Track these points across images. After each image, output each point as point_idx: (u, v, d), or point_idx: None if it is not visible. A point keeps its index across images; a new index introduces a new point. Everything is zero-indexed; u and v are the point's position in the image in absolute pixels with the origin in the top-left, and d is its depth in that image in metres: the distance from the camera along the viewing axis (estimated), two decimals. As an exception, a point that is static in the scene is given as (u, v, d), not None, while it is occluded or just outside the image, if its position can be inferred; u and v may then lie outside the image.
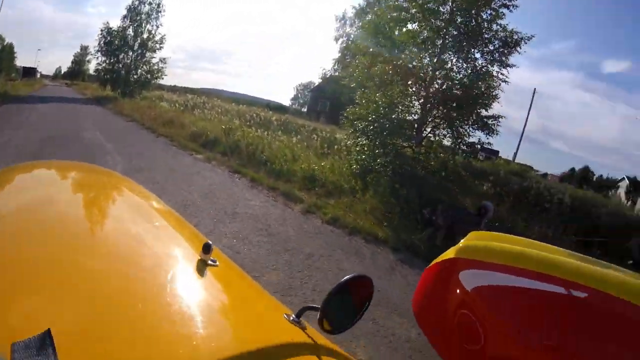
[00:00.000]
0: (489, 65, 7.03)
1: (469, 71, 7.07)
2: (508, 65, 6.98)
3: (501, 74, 7.01)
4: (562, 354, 1.75)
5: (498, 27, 6.93)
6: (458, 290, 1.85)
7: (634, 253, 2.16)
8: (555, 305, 1.80)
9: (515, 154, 17.43)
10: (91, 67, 37.03)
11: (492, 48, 7.00)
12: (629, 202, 22.16)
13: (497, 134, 7.09)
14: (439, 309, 1.93)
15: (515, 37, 6.88)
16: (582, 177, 36.54)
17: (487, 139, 7.12)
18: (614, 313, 1.80)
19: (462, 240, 2.06)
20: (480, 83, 6.83)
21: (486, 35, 6.93)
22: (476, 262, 1.87)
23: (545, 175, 22.00)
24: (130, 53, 22.78)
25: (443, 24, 6.88)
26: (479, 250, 1.95)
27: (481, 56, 7.11)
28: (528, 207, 7.30)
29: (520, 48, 6.94)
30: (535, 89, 19.09)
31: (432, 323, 2.03)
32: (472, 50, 7.03)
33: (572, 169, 39.85)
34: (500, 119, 7.09)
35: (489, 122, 6.98)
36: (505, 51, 6.94)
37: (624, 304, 1.77)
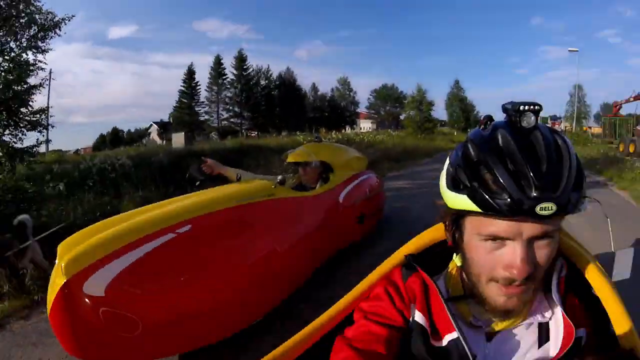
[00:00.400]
0: (25, 54, 5.61)
1: (7, 65, 5.30)
2: (44, 51, 5.85)
3: (39, 60, 5.78)
4: (198, 278, 2.05)
5: (34, 9, 5.64)
6: (89, 301, 1.71)
7: (194, 176, 3.00)
8: (174, 249, 2.02)
9: (47, 142, 15.58)
10: None
11: (31, 34, 5.71)
12: (164, 142, 26.23)
13: (53, 127, 6.30)
14: (83, 330, 1.75)
15: (56, 18, 5.87)
16: (113, 139, 39.14)
17: (43, 135, 6.16)
18: (216, 224, 2.27)
19: (57, 260, 1.84)
20: (21, 76, 5.30)
21: (22, 20, 5.52)
22: (90, 268, 1.76)
23: (77, 151, 22.22)
24: None
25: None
26: (83, 257, 1.80)
27: (17, 45, 5.62)
28: (113, 185, 7.49)
29: (60, 30, 5.98)
30: (51, 69, 16.79)
31: (89, 345, 1.80)
32: (9, 39, 5.46)
33: (102, 135, 42.14)
34: (47, 111, 6.11)
35: (36, 118, 5.73)
36: (43, 35, 5.82)
37: (218, 213, 2.30)
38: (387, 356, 0.61)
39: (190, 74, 39.89)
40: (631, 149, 14.90)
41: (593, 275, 0.70)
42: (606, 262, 0.80)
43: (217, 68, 39.39)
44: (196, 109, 39.87)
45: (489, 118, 0.66)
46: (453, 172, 0.61)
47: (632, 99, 20.95)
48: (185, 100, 39.46)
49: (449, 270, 0.73)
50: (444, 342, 0.63)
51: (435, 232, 0.86)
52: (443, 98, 50.18)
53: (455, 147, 0.66)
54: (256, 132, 35.63)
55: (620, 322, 0.63)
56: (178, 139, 20.41)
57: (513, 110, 0.57)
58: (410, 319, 0.67)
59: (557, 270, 0.65)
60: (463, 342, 0.60)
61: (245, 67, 39.88)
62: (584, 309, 0.67)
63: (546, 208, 0.50)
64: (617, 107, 23.57)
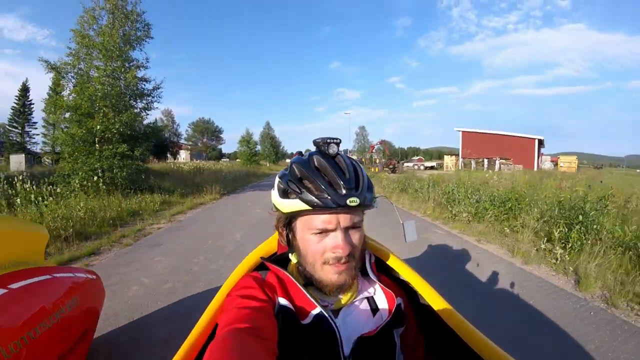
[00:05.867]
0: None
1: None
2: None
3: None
4: None
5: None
6: None
7: None
8: None
9: None
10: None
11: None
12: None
13: None
14: None
15: None
16: None
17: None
18: None
19: None
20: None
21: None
22: None
23: None
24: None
25: None
26: None
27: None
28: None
29: None
30: None
31: None
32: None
33: None
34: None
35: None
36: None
37: None
38: (271, 327, 0.72)
39: (25, 90, 38.14)
40: (376, 170, 30.06)
41: (392, 262, 1.06)
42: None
43: (55, 88, 38.55)
44: (27, 129, 38.60)
45: (300, 153, 0.93)
46: (285, 186, 0.83)
47: (377, 144, 36.80)
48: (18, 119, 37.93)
49: (289, 268, 0.94)
50: (310, 318, 0.80)
51: (271, 244, 1.12)
52: (254, 130, 64.16)
53: (281, 170, 0.90)
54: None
55: (422, 289, 0.95)
56: (17, 161, 19.93)
57: (322, 143, 0.83)
58: (276, 305, 0.81)
59: (368, 258, 0.95)
60: (326, 314, 0.80)
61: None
62: (396, 286, 0.98)
63: (353, 201, 0.77)
64: (372, 147, 39.16)
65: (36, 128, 39.37)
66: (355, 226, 0.81)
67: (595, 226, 5.03)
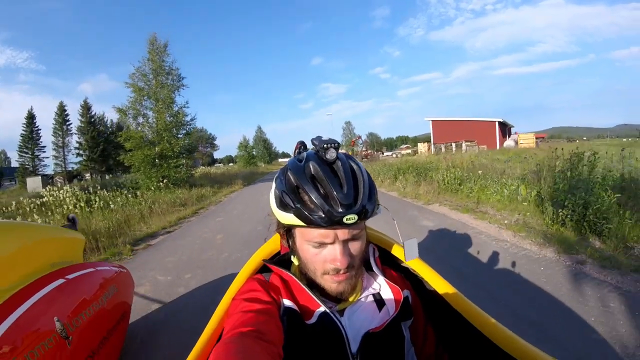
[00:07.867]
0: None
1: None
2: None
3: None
4: None
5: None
6: None
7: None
8: None
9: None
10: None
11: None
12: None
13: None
14: None
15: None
16: None
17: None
18: None
19: None
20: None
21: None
22: None
23: None
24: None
25: None
26: None
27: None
28: None
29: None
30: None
31: None
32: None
33: None
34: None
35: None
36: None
37: None
38: (275, 330, 0.74)
39: (31, 117, 42.31)
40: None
41: (396, 251, 1.05)
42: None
43: (61, 114, 42.99)
44: (36, 153, 42.94)
45: (302, 143, 0.93)
46: (280, 196, 0.80)
47: (357, 138, 43.57)
48: (28, 145, 42.09)
49: (292, 269, 0.95)
50: (315, 317, 0.81)
51: (272, 244, 1.13)
52: (245, 132, 71.66)
53: (278, 172, 0.87)
54: (100, 174, 40.00)
55: (429, 277, 0.96)
56: (34, 183, 21.72)
57: (319, 147, 0.79)
58: (281, 307, 0.83)
59: (371, 253, 0.96)
60: (330, 312, 0.81)
61: (90, 114, 44.44)
62: (402, 277, 0.99)
63: (350, 219, 0.72)
64: (353, 141, 46.00)
65: (45, 152, 43.25)
66: (355, 238, 0.80)
67: (425, 174, 11.97)
